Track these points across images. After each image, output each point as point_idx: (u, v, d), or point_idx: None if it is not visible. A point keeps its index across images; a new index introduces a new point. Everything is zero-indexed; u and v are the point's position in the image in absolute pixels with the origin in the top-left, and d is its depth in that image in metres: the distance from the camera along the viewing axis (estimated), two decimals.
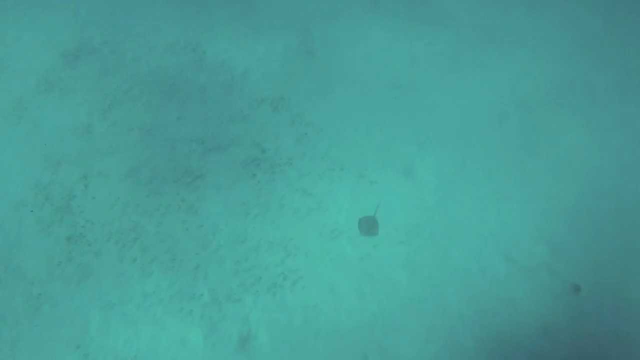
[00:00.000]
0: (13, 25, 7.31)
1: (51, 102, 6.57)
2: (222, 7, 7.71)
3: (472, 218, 5.95)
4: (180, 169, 6.07)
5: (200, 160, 6.18)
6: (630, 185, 6.31)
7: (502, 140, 6.63)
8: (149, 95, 6.66)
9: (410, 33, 7.64)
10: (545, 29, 7.83)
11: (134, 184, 5.92)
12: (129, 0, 7.65)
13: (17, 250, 5.42)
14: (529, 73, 7.35)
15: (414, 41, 7.55)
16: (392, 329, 5.21)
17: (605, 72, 7.40)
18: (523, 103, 7.01)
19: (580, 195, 6.21)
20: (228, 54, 7.16)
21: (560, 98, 7.12)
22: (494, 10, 8.06)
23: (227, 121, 6.53)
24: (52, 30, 7.27)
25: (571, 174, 6.38)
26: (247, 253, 5.55)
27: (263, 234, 5.68)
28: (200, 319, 5.12)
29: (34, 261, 5.37)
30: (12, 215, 5.63)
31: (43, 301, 5.17)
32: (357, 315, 5.26)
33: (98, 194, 5.83)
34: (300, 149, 6.36)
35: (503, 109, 6.92)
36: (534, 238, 5.86)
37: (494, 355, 5.14)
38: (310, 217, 5.83)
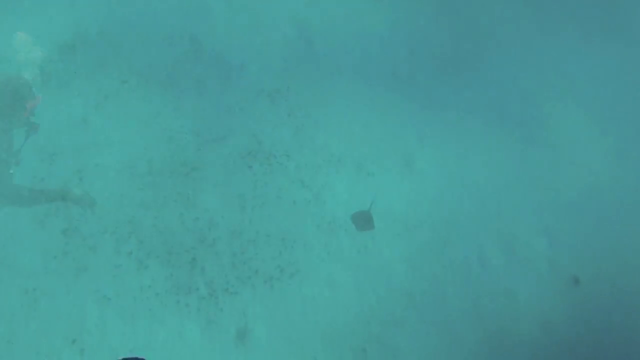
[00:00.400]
0: (8, 17, 7.23)
1: (46, 95, 6.50)
2: None
3: (471, 210, 5.91)
4: (176, 162, 6.02)
5: (197, 152, 6.12)
6: (631, 178, 6.27)
7: (503, 131, 6.58)
8: (145, 87, 6.59)
9: (409, 24, 7.56)
10: (546, 19, 7.75)
11: (130, 176, 5.87)
12: None
13: (12, 244, 5.38)
14: (530, 64, 7.29)
15: (413, 33, 7.47)
16: (391, 322, 5.19)
17: (608, 62, 7.33)
18: (524, 94, 6.96)
19: (580, 187, 6.17)
20: (225, 46, 7.09)
21: (562, 89, 7.06)
22: (494, 2, 7.98)
23: (223, 113, 6.47)
24: (48, 22, 7.19)
25: (572, 165, 6.34)
26: (244, 246, 5.50)
27: (260, 226, 5.64)
28: (197, 312, 5.09)
29: (30, 255, 5.33)
30: (7, 208, 5.58)
31: (39, 295, 5.14)
32: (356, 308, 5.23)
33: (93, 186, 5.78)
34: (298, 140, 6.30)
35: (504, 101, 6.86)
36: (533, 230, 5.82)
37: (493, 347, 5.11)
38: (308, 209, 5.79)
